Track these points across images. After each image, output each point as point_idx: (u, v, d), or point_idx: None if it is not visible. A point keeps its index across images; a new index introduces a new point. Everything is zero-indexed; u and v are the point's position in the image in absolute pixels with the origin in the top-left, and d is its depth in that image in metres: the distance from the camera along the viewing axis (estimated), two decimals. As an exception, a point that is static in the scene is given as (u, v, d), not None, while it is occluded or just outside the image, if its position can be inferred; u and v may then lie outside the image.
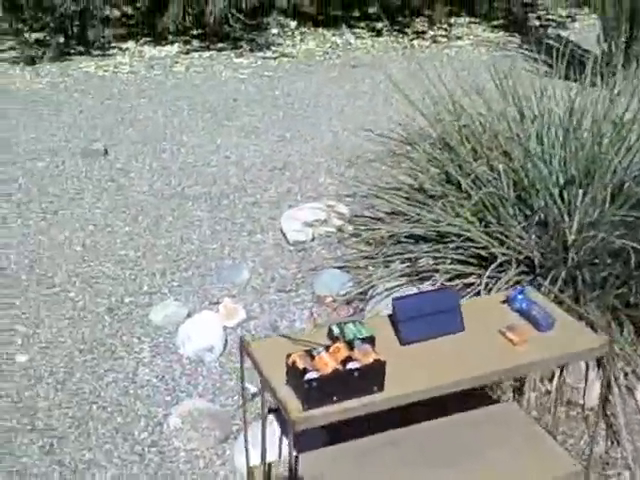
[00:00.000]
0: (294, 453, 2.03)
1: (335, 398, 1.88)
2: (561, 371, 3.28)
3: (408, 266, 3.87)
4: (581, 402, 3.29)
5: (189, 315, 3.88)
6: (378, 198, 4.34)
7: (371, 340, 2.10)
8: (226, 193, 5.32)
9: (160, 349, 3.66)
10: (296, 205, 4.99)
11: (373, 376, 1.93)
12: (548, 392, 3.31)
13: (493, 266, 3.41)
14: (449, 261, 3.74)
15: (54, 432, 3.13)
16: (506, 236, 3.51)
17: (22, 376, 3.47)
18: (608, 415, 3.22)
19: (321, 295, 4.11)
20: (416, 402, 2.01)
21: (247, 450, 2.36)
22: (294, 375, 1.90)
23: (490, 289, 3.41)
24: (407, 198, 4.21)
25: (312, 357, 1.95)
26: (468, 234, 3.59)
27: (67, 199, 5.24)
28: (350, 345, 2.00)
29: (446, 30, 9.98)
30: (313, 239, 4.64)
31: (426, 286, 3.79)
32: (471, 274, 3.62)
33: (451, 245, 3.67)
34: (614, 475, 3.00)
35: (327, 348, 1.97)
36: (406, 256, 3.89)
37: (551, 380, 3.32)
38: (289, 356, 1.95)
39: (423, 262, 3.80)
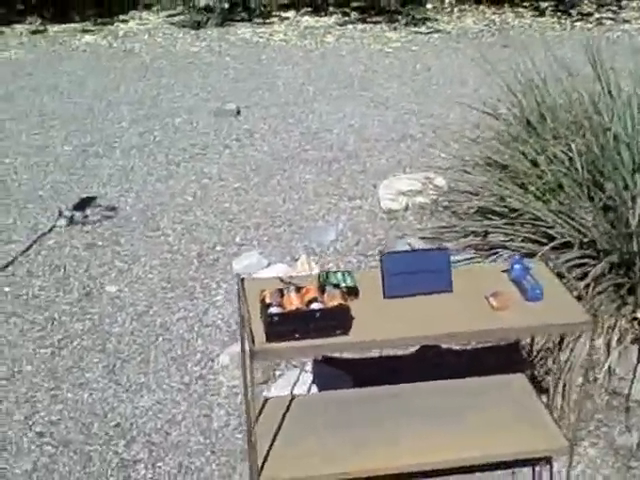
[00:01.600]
0: (249, 384, 2.19)
1: (297, 335, 2.02)
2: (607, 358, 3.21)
3: (481, 240, 3.88)
4: (626, 392, 3.20)
5: (268, 266, 4.10)
6: (467, 173, 4.35)
7: (354, 290, 2.21)
8: (339, 159, 5.50)
9: (233, 295, 3.91)
10: (398, 175, 5.08)
11: (337, 319, 2.04)
12: (595, 379, 3.25)
13: (552, 244, 3.36)
14: (520, 238, 3.72)
15: (120, 355, 3.47)
16: (572, 218, 3.44)
17: (107, 304, 3.84)
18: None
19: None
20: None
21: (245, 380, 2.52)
22: (262, 309, 2.06)
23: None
24: (490, 173, 4.19)
25: (282, 295, 2.09)
26: (537, 212, 3.55)
27: (192, 153, 5.62)
28: (322, 289, 2.12)
29: (614, 12, 9.55)
30: (407, 208, 4.72)
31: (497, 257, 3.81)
32: (535, 253, 3.58)
33: (521, 221, 3.64)
34: (637, 467, 2.92)
35: (299, 288, 2.11)
36: (480, 230, 3.90)
37: (601, 368, 3.26)
38: (263, 291, 2.10)
39: (494, 237, 3.80)
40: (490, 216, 4.00)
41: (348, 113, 6.36)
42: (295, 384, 3.08)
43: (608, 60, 4.05)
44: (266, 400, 2.52)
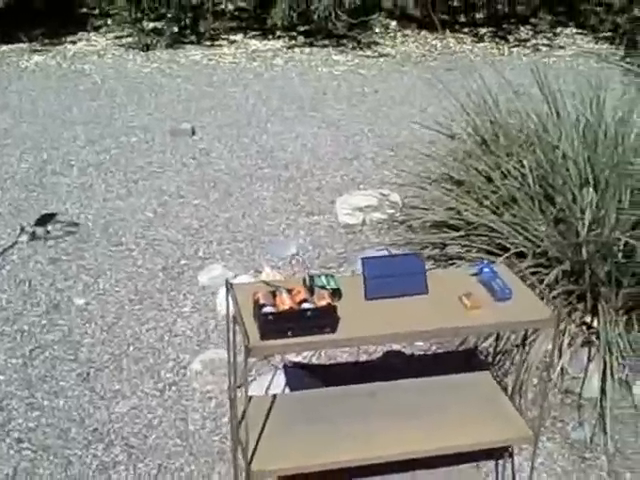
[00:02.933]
0: (243, 381, 2.32)
1: (290, 333, 2.16)
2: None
3: (439, 252, 4.08)
4: (578, 391, 3.42)
5: (235, 278, 4.22)
6: (422, 189, 4.56)
7: (337, 292, 2.36)
8: (294, 177, 5.66)
9: (200, 306, 4.02)
10: (353, 192, 5.27)
11: (325, 318, 2.19)
12: (549, 380, 3.46)
13: (507, 254, 3.57)
14: (475, 249, 3.93)
15: (93, 364, 3.54)
16: (525, 229, 3.67)
17: (76, 316, 3.90)
18: (604, 406, 3.34)
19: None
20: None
21: (231, 382, 2.64)
22: (256, 309, 2.19)
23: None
24: (445, 188, 4.42)
25: (274, 296, 2.23)
26: (492, 224, 3.77)
27: (149, 171, 5.72)
28: (311, 290, 2.27)
29: (549, 39, 10.00)
30: (364, 223, 4.91)
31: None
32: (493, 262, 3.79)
33: (476, 233, 3.86)
34: (591, 459, 3.13)
35: (289, 291, 2.25)
36: (439, 242, 4.10)
37: (554, 369, 3.48)
38: (256, 293, 2.24)
39: (451, 249, 4.01)
40: (446, 229, 4.22)
41: (301, 133, 6.54)
42: (269, 387, 3.21)
43: (552, 82, 4.33)
44: (250, 398, 2.64)
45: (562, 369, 3.49)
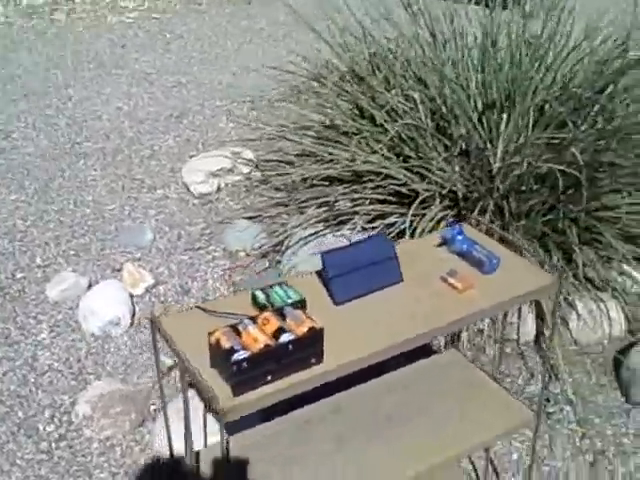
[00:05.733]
0: (224, 444, 1.74)
1: (269, 378, 1.59)
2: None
3: (325, 211, 3.58)
4: (515, 337, 3.11)
5: (90, 286, 3.50)
6: (287, 140, 4.01)
7: (302, 304, 1.80)
8: (121, 148, 4.89)
9: (60, 328, 3.28)
10: (198, 155, 4.62)
11: (310, 347, 1.64)
12: (480, 330, 3.12)
13: (417, 203, 3.14)
14: (368, 201, 3.47)
15: (-56, 436, 2.75)
16: (427, 169, 3.25)
17: None
18: (544, 349, 3.06)
19: (233, 250, 3.79)
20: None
21: (169, 433, 2.04)
22: (219, 357, 1.59)
23: (415, 228, 3.16)
24: (318, 137, 3.90)
25: (238, 332, 1.64)
26: (386, 171, 3.31)
27: (-59, 168, 4.71)
28: (280, 313, 1.70)
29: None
30: (219, 190, 4.30)
31: (346, 231, 3.54)
32: (392, 213, 3.36)
33: (369, 185, 3.39)
34: (557, 411, 2.83)
35: (253, 319, 1.67)
36: (321, 200, 3.59)
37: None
38: (211, 334, 1.63)
39: (340, 205, 3.52)
40: (322, 183, 3.72)
41: (111, 95, 5.71)
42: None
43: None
44: (197, 454, 2.04)
45: (493, 319, 3.15)
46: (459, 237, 2.06)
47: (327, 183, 3.69)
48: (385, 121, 3.35)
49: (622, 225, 3.09)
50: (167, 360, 3.04)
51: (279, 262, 3.60)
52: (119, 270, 3.62)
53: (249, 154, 4.45)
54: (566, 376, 2.93)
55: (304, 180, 3.78)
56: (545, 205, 3.17)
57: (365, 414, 2.20)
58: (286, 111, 4.39)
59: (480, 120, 3.28)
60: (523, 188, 3.15)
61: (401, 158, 3.37)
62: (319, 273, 1.97)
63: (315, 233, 3.57)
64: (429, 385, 2.30)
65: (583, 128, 3.15)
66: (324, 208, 3.57)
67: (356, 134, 3.44)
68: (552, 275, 1.98)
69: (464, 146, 3.26)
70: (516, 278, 1.97)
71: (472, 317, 1.87)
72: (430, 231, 3.06)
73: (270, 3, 7.79)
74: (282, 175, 4.00)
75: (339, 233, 3.47)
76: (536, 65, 3.48)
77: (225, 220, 4.02)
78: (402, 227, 3.25)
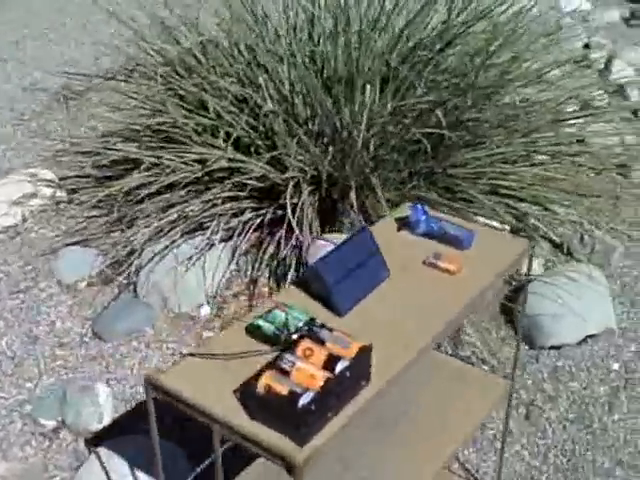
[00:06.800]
0: None
1: (329, 414, 1.34)
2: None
3: (174, 220, 3.27)
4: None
5: None
6: (108, 150, 3.60)
7: (313, 322, 1.56)
8: None
9: None
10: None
11: (361, 369, 1.41)
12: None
13: (288, 195, 2.96)
14: (221, 201, 3.22)
15: None
16: (287, 155, 3.06)
17: None
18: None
19: (71, 282, 3.34)
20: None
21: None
22: (276, 406, 1.31)
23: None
24: (136, 141, 3.55)
25: (284, 372, 1.36)
26: (236, 165, 3.08)
27: None
28: (316, 338, 1.44)
29: None
30: (24, 220, 3.76)
31: (198, 236, 3.27)
32: (258, 208, 3.16)
33: (225, 183, 3.15)
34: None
35: (293, 352, 1.39)
36: (176, 209, 3.28)
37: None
38: (254, 381, 1.33)
39: (194, 210, 3.23)
40: (162, 191, 3.39)
41: None
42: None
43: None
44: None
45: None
46: (423, 217, 1.92)
47: (164, 190, 3.37)
48: (229, 112, 3.11)
49: (486, 180, 3.13)
50: (48, 422, 2.61)
51: (132, 284, 3.24)
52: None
53: (47, 173, 3.95)
54: (474, 339, 2.92)
55: (137, 189, 3.41)
56: (412, 174, 3.13)
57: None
58: (83, 115, 3.95)
59: (330, 94, 3.14)
60: (387, 157, 3.08)
61: (253, 149, 3.16)
62: (298, 284, 1.75)
63: (168, 246, 3.26)
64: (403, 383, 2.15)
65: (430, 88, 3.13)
66: (174, 217, 3.26)
67: (198, 132, 3.16)
68: (521, 240, 1.94)
69: (317, 126, 3.13)
70: (494, 250, 1.89)
71: (479, 298, 1.75)
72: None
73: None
74: (97, 190, 3.60)
75: (199, 239, 3.20)
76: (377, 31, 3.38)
77: (45, 252, 3.53)
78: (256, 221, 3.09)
